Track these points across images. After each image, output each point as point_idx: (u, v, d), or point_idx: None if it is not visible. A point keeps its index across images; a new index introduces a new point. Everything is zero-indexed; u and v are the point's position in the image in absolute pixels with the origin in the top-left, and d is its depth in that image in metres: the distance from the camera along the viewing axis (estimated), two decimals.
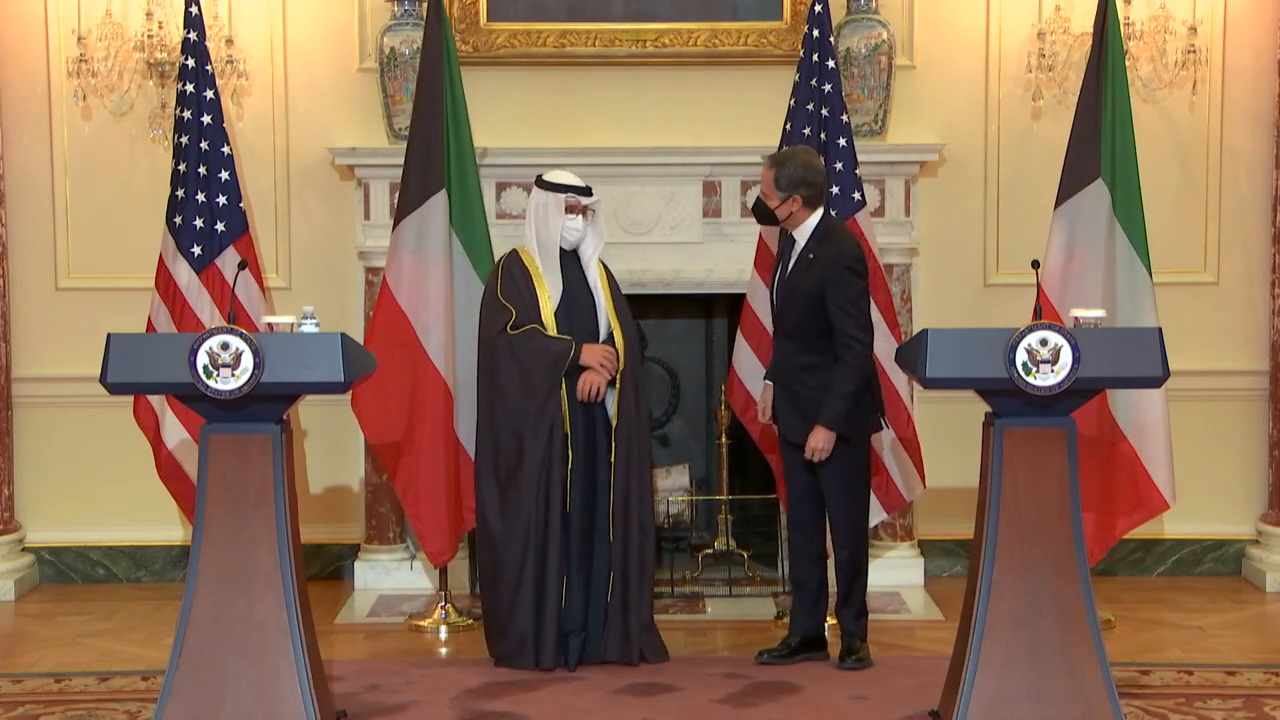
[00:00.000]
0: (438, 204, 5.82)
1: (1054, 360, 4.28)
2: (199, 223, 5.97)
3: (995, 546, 4.38)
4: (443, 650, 5.74)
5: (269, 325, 4.50)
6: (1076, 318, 4.46)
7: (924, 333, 4.40)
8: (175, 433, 5.92)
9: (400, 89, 6.28)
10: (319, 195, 6.55)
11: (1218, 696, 4.98)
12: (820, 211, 5.26)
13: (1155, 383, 4.48)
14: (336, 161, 6.43)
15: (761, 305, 5.90)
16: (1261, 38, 6.48)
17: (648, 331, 6.61)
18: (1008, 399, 4.38)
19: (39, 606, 6.31)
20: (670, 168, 6.38)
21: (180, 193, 5.98)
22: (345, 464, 6.61)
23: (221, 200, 6.00)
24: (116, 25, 6.34)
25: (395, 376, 5.75)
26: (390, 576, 6.47)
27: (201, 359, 4.19)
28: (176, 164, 6.00)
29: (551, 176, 5.38)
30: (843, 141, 5.84)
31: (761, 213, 5.31)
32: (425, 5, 6.01)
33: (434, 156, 5.82)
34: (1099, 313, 4.50)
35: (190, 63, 5.95)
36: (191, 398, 4.31)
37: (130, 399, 5.93)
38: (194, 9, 5.97)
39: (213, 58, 6.08)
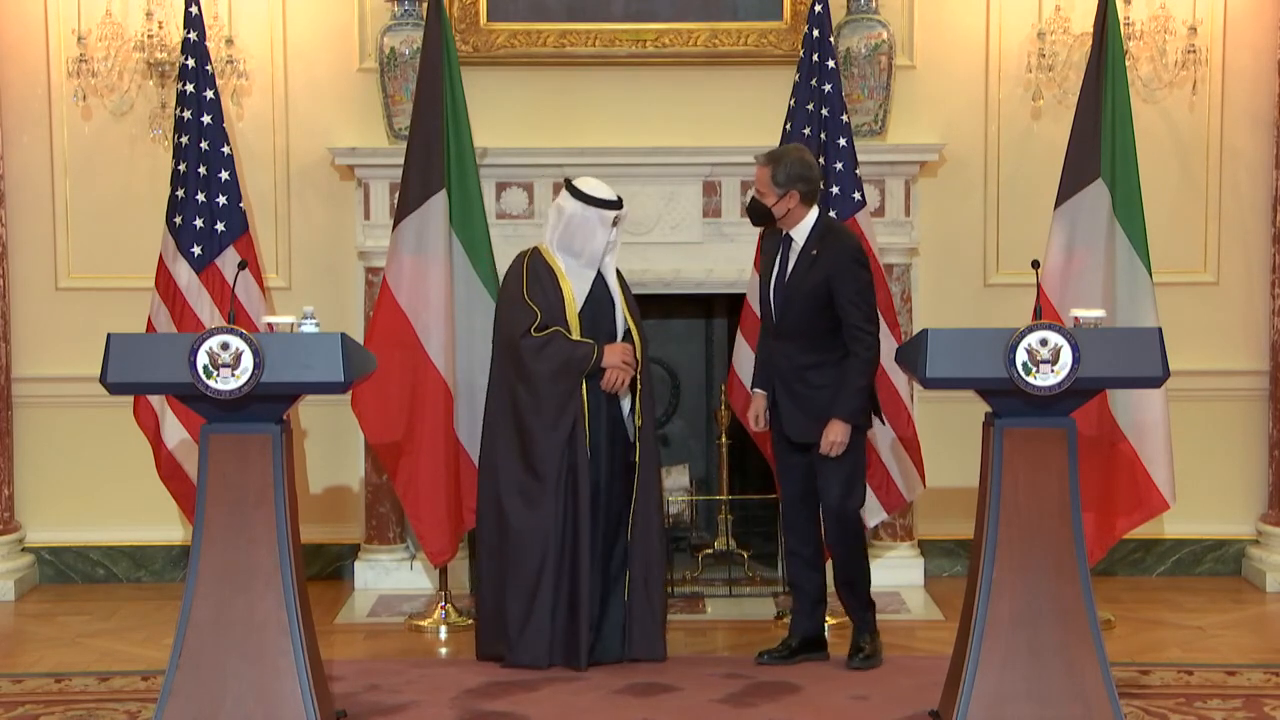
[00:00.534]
0: (438, 204, 5.82)
1: (1054, 360, 4.28)
2: (199, 223, 5.98)
3: (995, 546, 4.38)
4: (443, 650, 5.74)
5: (269, 325, 4.50)
6: (1076, 318, 4.46)
7: (924, 333, 4.40)
8: (175, 433, 5.92)
9: (400, 89, 6.28)
10: (319, 195, 6.55)
11: (1218, 696, 4.98)
12: (816, 208, 5.26)
13: (1155, 383, 4.48)
14: (336, 161, 6.43)
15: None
16: (1261, 38, 6.48)
17: (648, 331, 6.60)
18: (1008, 399, 4.38)
19: (39, 606, 6.31)
20: (670, 168, 6.38)
21: (180, 193, 5.98)
22: (345, 464, 6.61)
23: (221, 200, 6.00)
24: (116, 25, 6.34)
25: (395, 376, 5.75)
26: (390, 576, 6.48)
27: (201, 359, 4.19)
28: (176, 164, 6.00)
29: (588, 188, 5.33)
30: (843, 141, 5.84)
31: (758, 213, 5.28)
32: (425, 5, 6.01)
33: (434, 156, 5.82)
34: (1099, 313, 4.50)
35: (190, 63, 5.95)
36: (191, 398, 4.31)
37: (130, 399, 5.93)
38: (194, 9, 5.97)
39: (213, 58, 6.08)
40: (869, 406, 5.26)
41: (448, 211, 5.85)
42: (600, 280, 5.36)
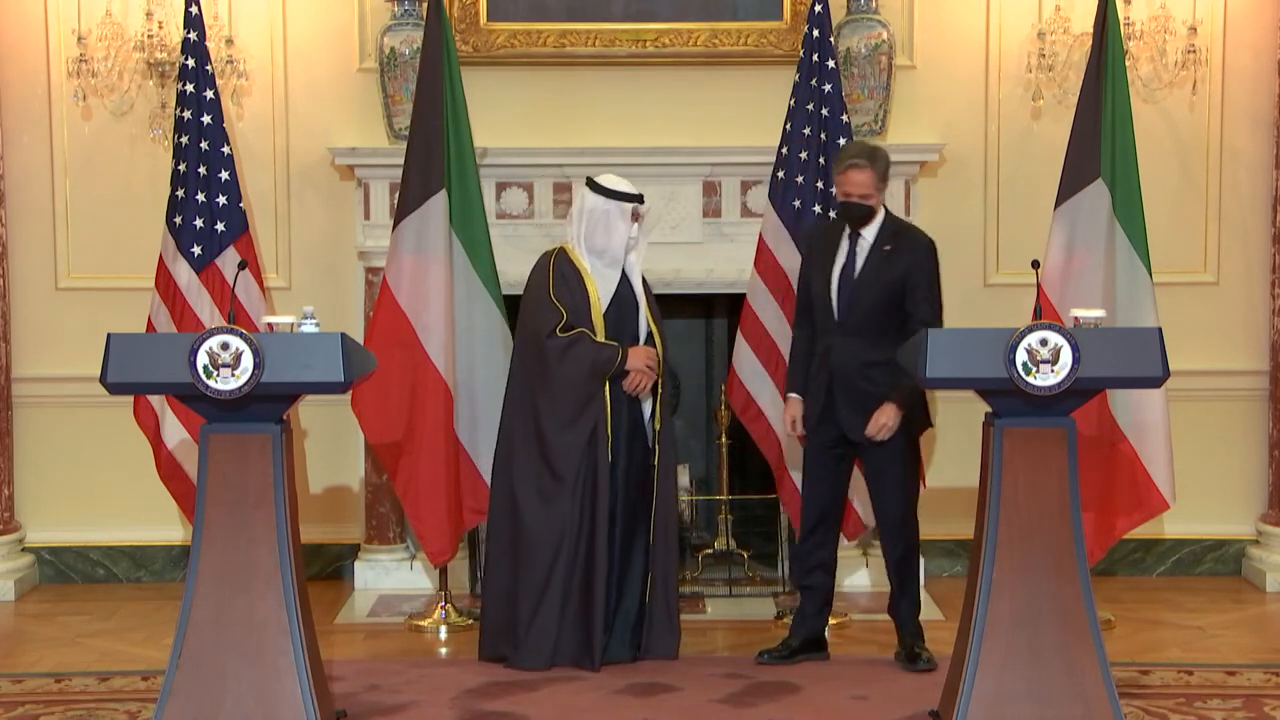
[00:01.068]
0: (438, 204, 5.82)
1: (1054, 360, 4.27)
2: (199, 223, 5.97)
3: (995, 546, 4.38)
4: (443, 650, 5.74)
5: (269, 325, 4.50)
6: (1076, 318, 4.46)
7: (924, 332, 4.39)
8: (175, 433, 5.92)
9: (400, 89, 6.28)
10: (319, 195, 6.55)
11: (1218, 696, 4.98)
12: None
13: (1155, 383, 4.47)
14: (336, 161, 6.43)
15: (763, 305, 5.90)
16: (1261, 38, 6.48)
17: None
18: (1008, 399, 4.37)
19: (39, 606, 6.31)
20: (670, 168, 6.38)
21: (180, 193, 5.98)
22: (345, 464, 6.61)
23: (221, 200, 6.00)
24: (116, 25, 6.34)
25: (395, 376, 5.75)
26: (390, 576, 6.48)
27: (201, 359, 4.19)
28: (176, 164, 6.00)
29: (607, 182, 5.35)
30: (843, 141, 5.84)
31: (859, 216, 5.19)
32: (425, 5, 6.01)
33: (434, 156, 5.82)
34: (1099, 313, 4.50)
35: (190, 63, 5.95)
36: (191, 398, 4.31)
37: (130, 399, 5.93)
38: (194, 9, 5.97)
39: (213, 58, 6.07)
40: (920, 411, 5.25)
41: (448, 211, 5.85)
42: (625, 281, 5.36)
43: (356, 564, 6.52)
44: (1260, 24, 6.48)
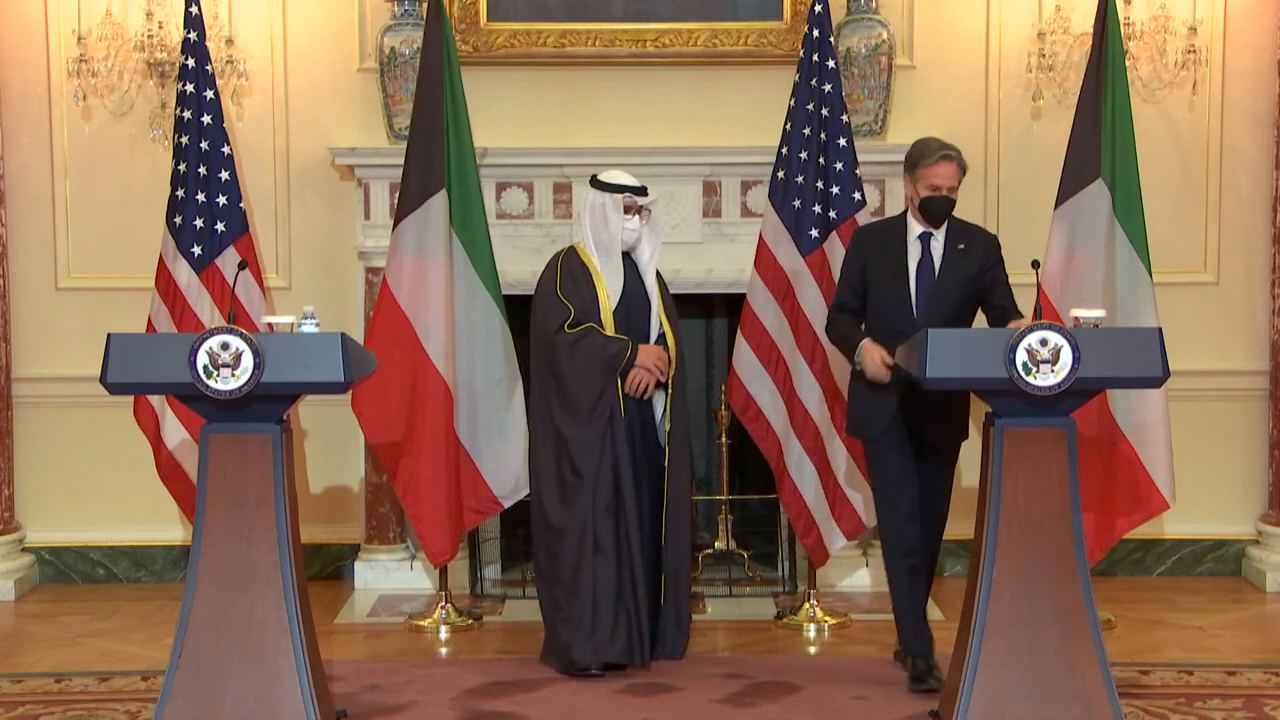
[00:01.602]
0: (438, 204, 5.82)
1: (1054, 360, 4.28)
2: (199, 223, 5.97)
3: (995, 546, 4.38)
4: (443, 650, 5.73)
5: (269, 325, 4.50)
6: (1076, 318, 4.46)
7: (924, 332, 4.39)
8: (175, 433, 5.92)
9: (400, 89, 6.28)
10: (319, 195, 6.55)
11: (1218, 696, 4.98)
12: None
13: (1155, 383, 4.47)
14: (336, 161, 6.43)
15: (763, 305, 5.89)
16: (1261, 38, 6.48)
17: None
18: (1008, 399, 4.37)
19: (39, 606, 6.31)
20: (670, 168, 6.38)
21: (180, 193, 5.98)
22: (345, 464, 6.61)
23: (221, 200, 6.00)
24: (116, 25, 6.34)
25: (395, 376, 5.75)
26: (390, 576, 6.48)
27: (201, 359, 4.19)
28: (176, 164, 6.00)
29: (607, 176, 5.37)
30: (843, 141, 5.84)
31: (945, 211, 5.07)
32: (425, 5, 6.01)
33: (434, 156, 5.82)
34: (1099, 313, 4.50)
35: (190, 63, 5.95)
36: (191, 398, 4.31)
37: (130, 399, 5.93)
38: (194, 9, 5.97)
39: (213, 58, 6.08)
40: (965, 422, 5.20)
41: (448, 211, 5.85)
42: (638, 281, 5.37)
43: (356, 564, 6.52)
44: (1260, 24, 6.48)
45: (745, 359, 5.96)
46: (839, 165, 5.84)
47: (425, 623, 5.93)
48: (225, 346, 4.19)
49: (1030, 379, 4.27)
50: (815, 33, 5.87)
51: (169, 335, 5.65)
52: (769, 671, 5.25)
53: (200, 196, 5.97)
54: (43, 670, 5.37)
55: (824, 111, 5.86)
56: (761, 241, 5.94)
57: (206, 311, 5.93)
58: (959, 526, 5.99)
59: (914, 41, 6.50)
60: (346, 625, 6.00)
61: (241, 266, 5.14)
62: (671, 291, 6.32)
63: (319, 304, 5.07)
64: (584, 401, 5.23)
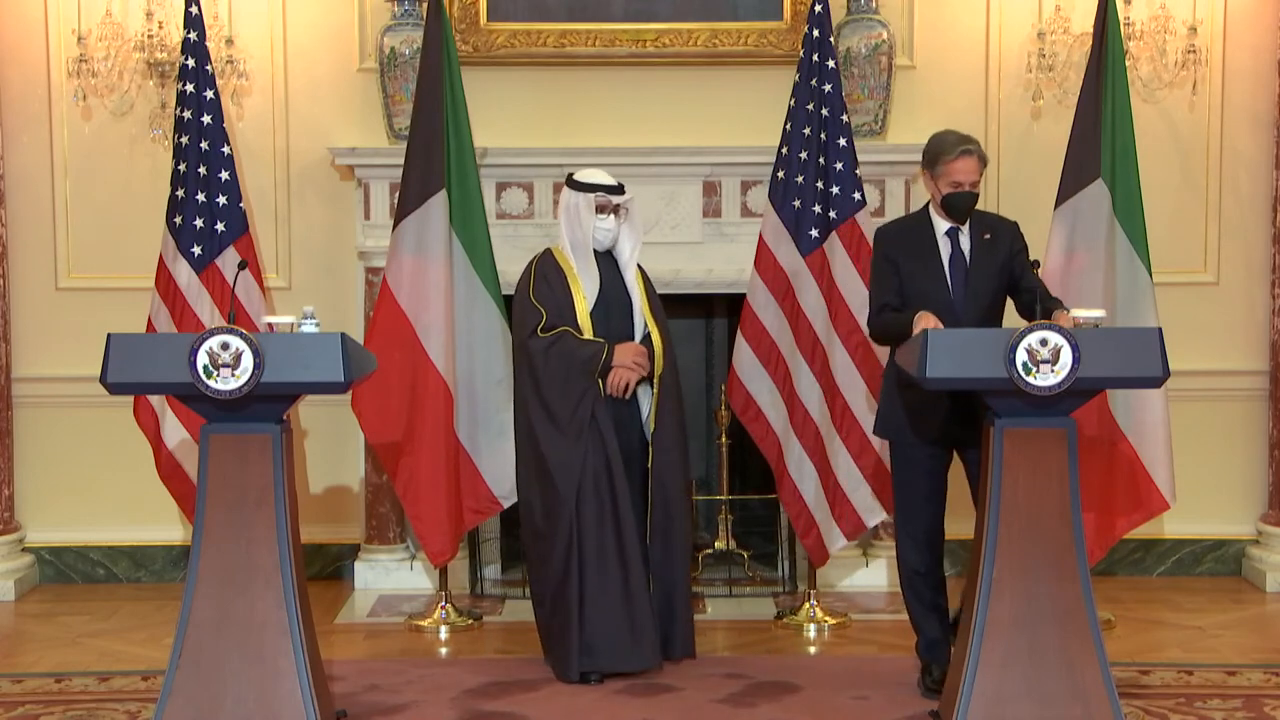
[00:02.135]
0: (438, 204, 5.82)
1: (1054, 360, 4.27)
2: (199, 223, 5.97)
3: (995, 546, 4.38)
4: (443, 650, 5.73)
5: (269, 325, 4.50)
6: (1076, 318, 4.46)
7: (924, 332, 4.39)
8: (175, 433, 5.92)
9: (400, 89, 6.28)
10: (319, 195, 6.55)
11: (1218, 696, 4.98)
12: None
13: (1155, 383, 4.47)
14: (336, 161, 6.43)
15: (763, 305, 5.89)
16: (1261, 38, 6.48)
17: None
18: (1008, 399, 4.37)
19: (39, 606, 6.31)
20: (670, 168, 6.38)
21: (180, 193, 5.98)
22: (345, 464, 6.61)
23: (221, 200, 6.00)
24: (116, 25, 6.34)
25: (395, 376, 5.75)
26: (390, 576, 6.48)
27: (201, 359, 4.19)
28: (176, 164, 6.00)
29: (582, 175, 5.30)
30: (843, 141, 5.84)
31: (969, 206, 4.99)
32: (425, 5, 6.01)
33: (434, 156, 5.82)
34: (1099, 313, 4.50)
35: (190, 63, 5.95)
36: (191, 398, 4.31)
37: (130, 399, 5.93)
38: (194, 9, 5.97)
39: (213, 58, 6.07)
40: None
41: (448, 211, 5.85)
42: (617, 279, 5.29)
43: (356, 564, 6.52)
44: (1260, 24, 6.48)
45: (745, 359, 5.96)
46: (839, 165, 5.84)
47: (425, 623, 5.93)
48: (225, 346, 4.19)
49: (1030, 379, 4.27)
50: (815, 33, 5.87)
51: (169, 335, 5.65)
52: (769, 671, 5.25)
53: (200, 196, 5.97)
54: (43, 670, 5.37)
55: (824, 111, 5.86)
56: (761, 241, 5.94)
57: (206, 311, 5.93)
58: (959, 526, 5.99)
59: (914, 41, 6.50)
60: (346, 625, 5.99)
61: (241, 266, 5.14)
62: (672, 291, 6.35)
63: (319, 304, 5.07)
64: (561, 407, 5.14)
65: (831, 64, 5.86)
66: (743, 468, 6.70)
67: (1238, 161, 6.54)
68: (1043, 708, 4.31)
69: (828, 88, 5.85)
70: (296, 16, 6.48)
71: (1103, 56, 5.81)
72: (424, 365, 5.82)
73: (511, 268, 6.21)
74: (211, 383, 4.19)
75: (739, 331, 6.01)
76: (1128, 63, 6.02)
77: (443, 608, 5.96)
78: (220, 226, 6.00)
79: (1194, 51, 6.31)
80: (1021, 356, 4.27)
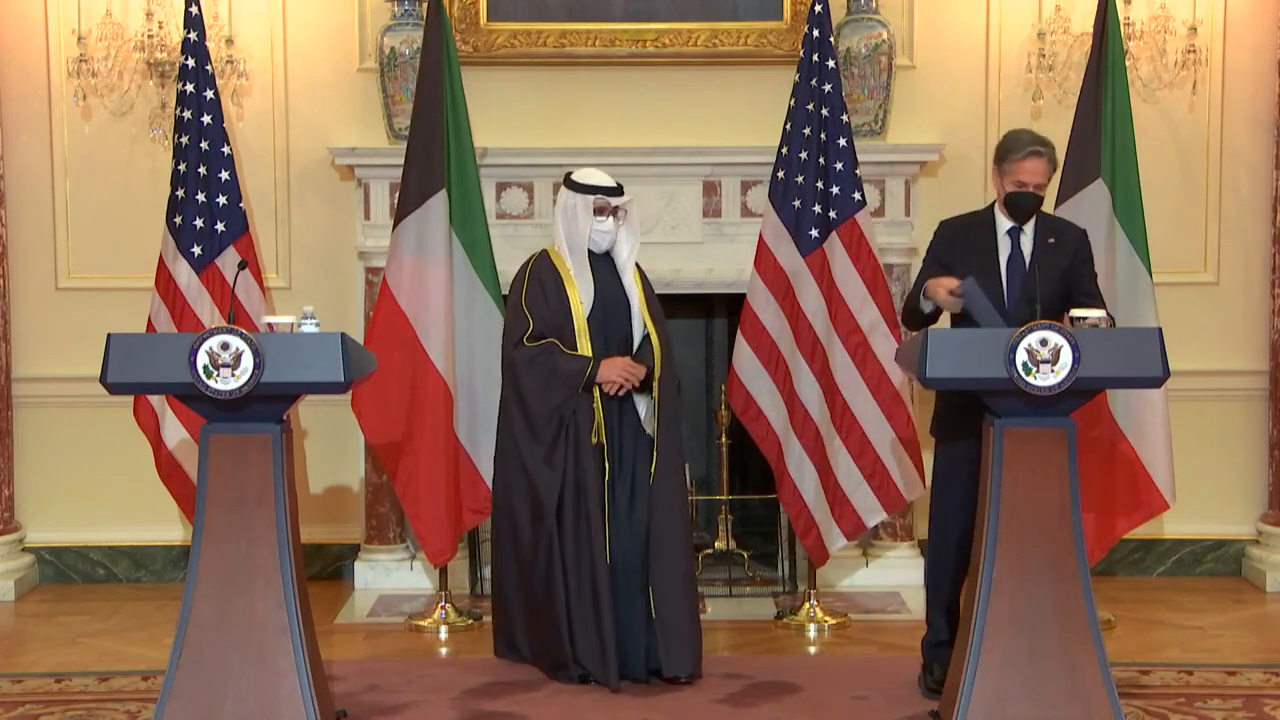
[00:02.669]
0: (438, 204, 5.82)
1: (1054, 360, 4.27)
2: (199, 223, 5.97)
3: (995, 546, 4.38)
4: (443, 650, 5.73)
5: (269, 325, 4.50)
6: (1076, 318, 4.46)
7: (924, 332, 4.38)
8: (175, 433, 5.92)
9: (400, 89, 6.28)
10: (319, 195, 6.55)
11: (1218, 696, 4.98)
12: None
13: (1155, 383, 4.47)
14: (336, 161, 6.43)
15: (763, 305, 5.89)
16: (1261, 38, 6.48)
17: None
18: (1008, 399, 4.37)
19: (39, 606, 6.31)
20: (670, 168, 6.38)
21: (180, 193, 5.98)
22: (345, 464, 6.61)
23: (221, 200, 5.99)
24: (116, 25, 6.34)
25: (395, 376, 5.74)
26: (390, 576, 6.48)
27: (201, 359, 4.19)
28: (176, 164, 6.00)
29: (580, 176, 5.20)
30: (843, 141, 5.84)
31: (1032, 207, 4.94)
32: (425, 5, 6.01)
33: (434, 156, 5.82)
34: (1099, 312, 4.50)
35: (190, 63, 5.95)
36: (191, 398, 4.31)
37: (130, 399, 5.93)
38: (194, 9, 5.97)
39: (213, 58, 6.07)
40: None
41: (448, 211, 5.85)
42: (614, 281, 5.20)
43: (356, 564, 6.52)
44: (1260, 24, 6.48)
45: (745, 359, 5.95)
46: (839, 165, 5.84)
47: (425, 623, 5.93)
48: (225, 346, 4.19)
49: (1030, 379, 4.27)
50: (815, 33, 5.87)
51: (169, 335, 5.65)
52: (769, 671, 5.25)
53: (200, 196, 5.97)
54: (43, 670, 5.37)
55: (824, 111, 5.86)
56: (761, 241, 5.94)
57: (206, 311, 5.93)
58: None
59: (914, 41, 6.50)
60: (346, 625, 5.99)
61: (241, 266, 5.14)
62: (671, 291, 6.35)
63: (319, 304, 5.06)
64: (538, 418, 5.07)
65: (831, 64, 5.86)
66: (743, 468, 6.70)
67: (1238, 161, 6.54)
68: (1043, 708, 4.31)
69: (828, 88, 5.85)
70: (296, 16, 6.48)
71: (1103, 56, 5.81)
72: (424, 365, 5.82)
73: (512, 268, 6.17)
74: (211, 383, 4.19)
75: (739, 331, 6.01)
76: (1128, 63, 6.02)
77: (443, 608, 5.96)
78: (220, 226, 6.00)
79: (1194, 51, 6.31)
80: (1021, 356, 4.27)
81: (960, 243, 5.02)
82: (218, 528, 4.32)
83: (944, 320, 5.00)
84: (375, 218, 6.37)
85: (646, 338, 5.22)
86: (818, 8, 5.87)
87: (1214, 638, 5.74)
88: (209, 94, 5.97)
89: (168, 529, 6.55)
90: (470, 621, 5.94)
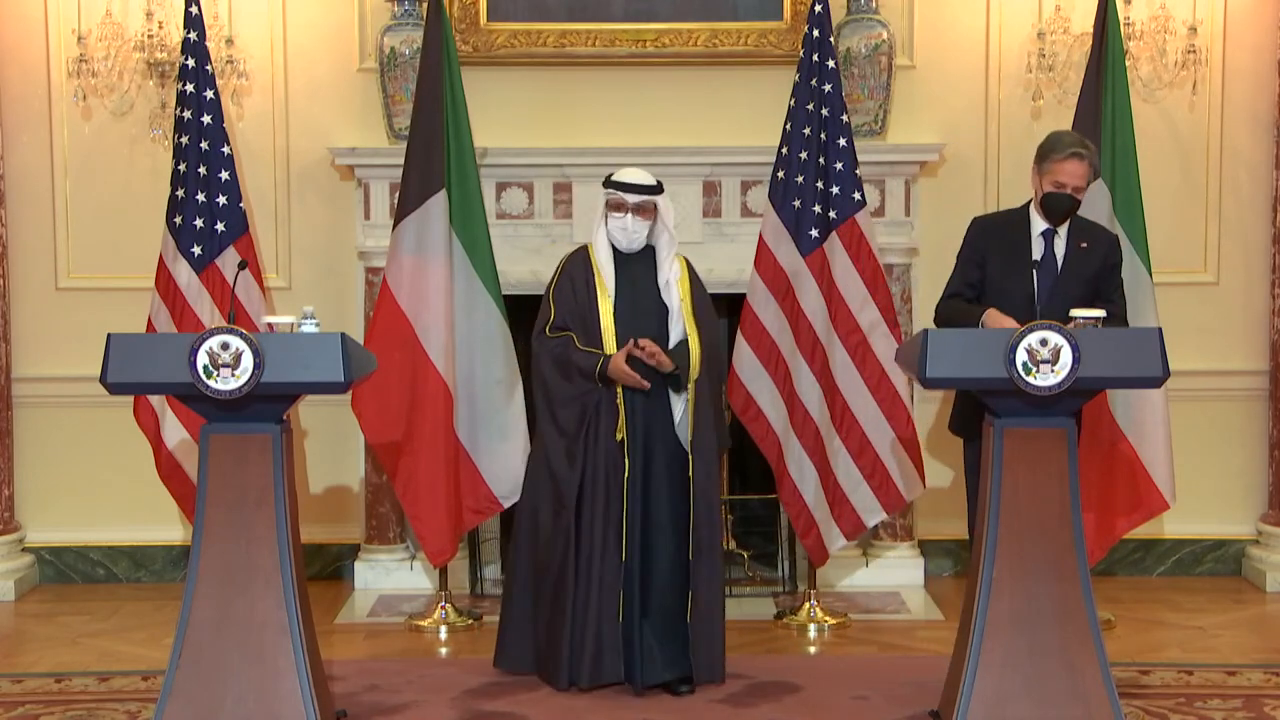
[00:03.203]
0: (438, 204, 5.82)
1: (1054, 360, 4.27)
2: (199, 223, 5.97)
3: (995, 546, 4.38)
4: (443, 650, 5.74)
5: (269, 325, 4.50)
6: (1076, 318, 4.46)
7: (924, 333, 4.39)
8: (175, 433, 5.92)
9: (400, 89, 6.28)
10: (319, 195, 6.55)
11: (1218, 696, 4.98)
12: None
13: (1155, 383, 4.47)
14: (336, 161, 6.43)
15: (763, 305, 5.89)
16: (1261, 38, 6.48)
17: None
18: (1008, 399, 4.37)
19: (39, 606, 6.31)
20: (670, 168, 6.35)
21: (180, 193, 5.98)
22: (345, 464, 6.61)
23: (221, 200, 5.99)
24: (116, 25, 6.34)
25: (395, 376, 5.74)
26: (390, 576, 6.48)
27: (201, 359, 4.19)
28: (176, 164, 6.00)
29: (617, 173, 5.15)
30: (843, 141, 5.84)
31: (1068, 209, 4.93)
32: (425, 5, 6.01)
33: (434, 156, 5.82)
34: (1099, 312, 4.50)
35: (190, 63, 5.95)
36: (191, 398, 4.31)
37: (130, 399, 5.93)
38: (194, 9, 5.97)
39: (213, 58, 6.07)
40: None
41: (448, 211, 5.85)
42: (648, 280, 5.12)
43: (356, 564, 6.52)
44: (1260, 24, 6.48)
45: (745, 359, 5.95)
46: (839, 165, 5.84)
47: (425, 623, 5.93)
48: (225, 346, 4.19)
49: (1030, 379, 4.27)
50: (815, 33, 5.87)
51: (169, 335, 5.65)
52: (769, 671, 5.25)
53: (200, 196, 5.97)
54: (43, 670, 5.37)
55: (824, 111, 5.86)
56: (761, 241, 5.94)
57: (206, 311, 5.93)
58: (959, 526, 6.00)
59: (914, 41, 6.50)
60: (346, 625, 5.99)
61: (241, 266, 5.14)
62: None
63: (319, 304, 5.07)
64: (560, 411, 5.05)
65: (831, 64, 5.86)
66: (743, 468, 6.70)
67: (1238, 161, 6.54)
68: (1043, 708, 4.31)
69: (828, 88, 5.85)
70: (296, 16, 6.48)
71: (1103, 56, 5.81)
72: (424, 365, 5.82)
73: (512, 268, 6.23)
74: (211, 383, 4.19)
75: (739, 331, 6.00)
76: (1128, 63, 6.02)
77: (443, 608, 5.96)
78: (220, 226, 6.00)
79: (1194, 51, 6.31)
80: (1021, 356, 4.27)
81: (994, 241, 5.02)
82: (218, 528, 4.32)
83: None
84: (375, 218, 6.37)
85: (683, 341, 5.10)
86: (818, 8, 5.87)
87: (1214, 638, 5.74)
88: (209, 94, 5.97)
89: (168, 529, 6.55)
90: (470, 621, 5.94)
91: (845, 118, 5.88)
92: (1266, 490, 6.61)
